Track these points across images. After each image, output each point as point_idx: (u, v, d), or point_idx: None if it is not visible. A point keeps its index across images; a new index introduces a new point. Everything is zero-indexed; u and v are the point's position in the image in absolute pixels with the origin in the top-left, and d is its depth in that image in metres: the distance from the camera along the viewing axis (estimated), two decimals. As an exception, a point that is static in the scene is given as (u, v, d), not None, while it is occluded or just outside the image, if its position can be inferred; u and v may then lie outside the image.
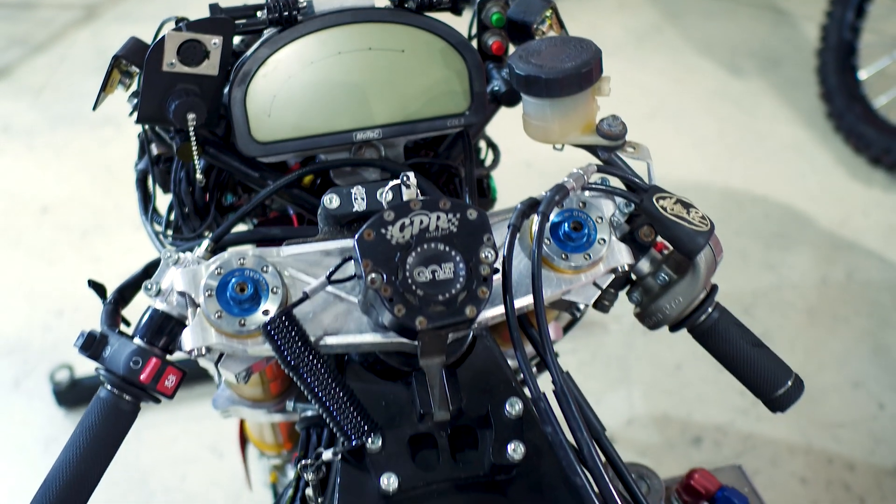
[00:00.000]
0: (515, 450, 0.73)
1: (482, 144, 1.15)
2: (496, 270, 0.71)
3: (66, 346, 2.17)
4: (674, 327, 0.90)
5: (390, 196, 0.78)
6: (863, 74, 2.96)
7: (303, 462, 0.80)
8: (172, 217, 1.04)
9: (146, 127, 1.01)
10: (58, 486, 0.77)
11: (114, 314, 0.87)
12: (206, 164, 0.97)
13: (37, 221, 2.60)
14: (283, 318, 0.73)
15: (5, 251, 2.53)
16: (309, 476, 0.79)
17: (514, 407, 0.77)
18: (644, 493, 0.97)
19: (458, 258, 0.70)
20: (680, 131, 3.02)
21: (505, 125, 1.22)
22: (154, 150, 1.03)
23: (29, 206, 2.65)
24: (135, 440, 2.08)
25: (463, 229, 0.71)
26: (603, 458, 0.80)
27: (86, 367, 2.14)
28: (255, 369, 0.81)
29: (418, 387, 0.76)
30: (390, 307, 0.69)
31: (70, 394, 2.06)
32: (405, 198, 0.75)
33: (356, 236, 0.70)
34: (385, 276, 0.69)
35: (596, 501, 0.72)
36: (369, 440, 0.74)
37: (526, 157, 2.63)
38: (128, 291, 0.91)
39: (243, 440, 1.54)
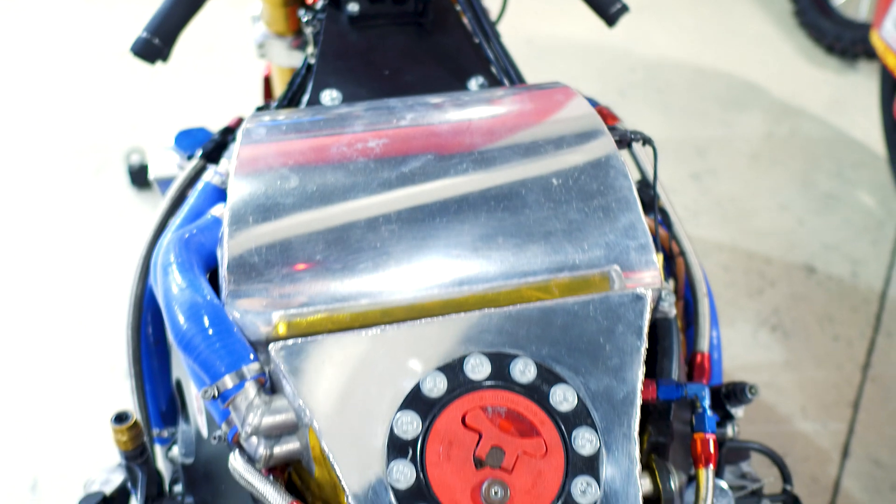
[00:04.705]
0: None
1: None
2: None
3: (139, 143, 2.71)
4: None
5: None
6: (827, -22, 3.39)
7: (304, 18, 1.29)
8: None
9: None
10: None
11: None
12: None
13: (123, 67, 3.16)
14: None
15: (98, 81, 3.09)
16: (307, 29, 1.29)
17: None
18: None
19: None
20: (662, 25, 3.47)
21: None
22: None
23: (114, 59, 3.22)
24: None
25: None
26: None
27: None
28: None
29: None
30: None
31: (141, 175, 2.60)
32: None
33: None
34: None
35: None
36: None
37: (527, 34, 3.13)
38: None
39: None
